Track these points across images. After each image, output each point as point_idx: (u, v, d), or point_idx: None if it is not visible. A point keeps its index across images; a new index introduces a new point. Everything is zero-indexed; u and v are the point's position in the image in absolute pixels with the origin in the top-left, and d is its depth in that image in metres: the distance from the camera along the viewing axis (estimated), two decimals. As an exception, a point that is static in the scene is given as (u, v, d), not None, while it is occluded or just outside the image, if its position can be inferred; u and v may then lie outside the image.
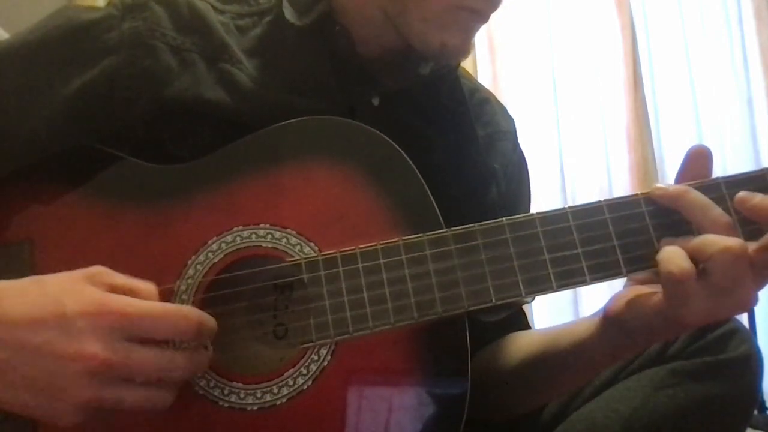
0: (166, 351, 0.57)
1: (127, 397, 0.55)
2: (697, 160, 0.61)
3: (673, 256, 0.56)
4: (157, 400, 0.56)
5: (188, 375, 0.58)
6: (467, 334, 0.61)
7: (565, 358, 0.70)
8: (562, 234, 0.61)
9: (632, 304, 0.61)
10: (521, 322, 0.86)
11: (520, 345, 0.79)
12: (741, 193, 0.59)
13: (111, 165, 0.69)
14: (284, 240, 0.63)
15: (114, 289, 0.57)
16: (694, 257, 0.56)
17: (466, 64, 2.74)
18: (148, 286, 0.59)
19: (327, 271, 0.61)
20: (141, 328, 0.56)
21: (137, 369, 0.55)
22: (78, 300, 0.55)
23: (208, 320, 0.59)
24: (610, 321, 0.63)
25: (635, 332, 0.62)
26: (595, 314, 0.67)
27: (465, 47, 0.74)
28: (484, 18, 0.73)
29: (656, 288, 0.59)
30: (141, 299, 0.57)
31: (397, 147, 0.65)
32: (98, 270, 0.58)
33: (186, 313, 0.58)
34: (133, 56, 0.71)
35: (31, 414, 0.56)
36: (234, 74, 0.73)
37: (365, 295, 0.60)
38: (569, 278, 0.60)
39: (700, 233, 0.58)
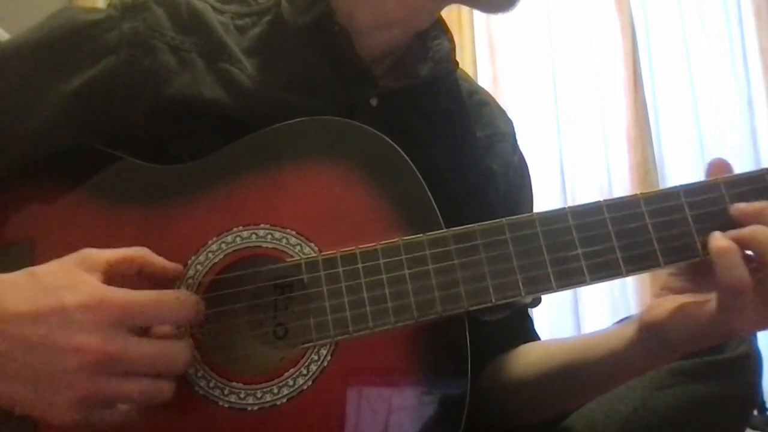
0: (165, 342, 0.57)
1: (127, 390, 0.55)
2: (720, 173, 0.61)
3: (733, 264, 0.55)
4: (157, 392, 0.56)
5: (188, 365, 0.59)
6: (467, 334, 0.61)
7: (596, 369, 0.68)
8: (562, 234, 0.61)
9: (679, 313, 0.59)
10: (528, 330, 0.86)
11: (539, 356, 0.78)
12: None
13: (111, 165, 0.69)
14: (284, 240, 0.63)
15: (110, 268, 0.57)
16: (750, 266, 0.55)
17: (466, 64, 2.74)
18: (140, 250, 0.60)
19: (327, 272, 0.61)
20: (141, 319, 0.56)
21: (137, 360, 0.55)
22: (76, 292, 0.55)
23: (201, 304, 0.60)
24: (647, 330, 0.62)
25: (675, 341, 0.60)
26: (624, 324, 0.66)
27: None
28: None
29: (693, 297, 0.59)
30: (144, 263, 0.60)
31: (397, 147, 0.65)
32: (87, 253, 0.58)
33: (182, 297, 0.59)
34: (132, 56, 0.71)
35: (30, 409, 0.55)
36: (233, 74, 0.73)
37: (365, 295, 0.60)
38: (569, 278, 0.60)
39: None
